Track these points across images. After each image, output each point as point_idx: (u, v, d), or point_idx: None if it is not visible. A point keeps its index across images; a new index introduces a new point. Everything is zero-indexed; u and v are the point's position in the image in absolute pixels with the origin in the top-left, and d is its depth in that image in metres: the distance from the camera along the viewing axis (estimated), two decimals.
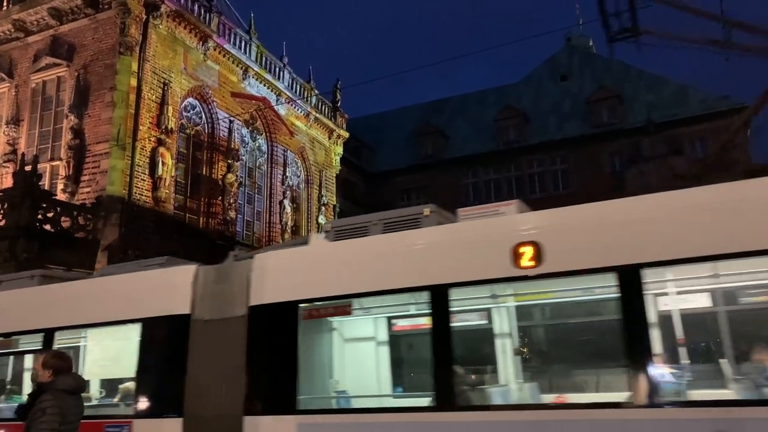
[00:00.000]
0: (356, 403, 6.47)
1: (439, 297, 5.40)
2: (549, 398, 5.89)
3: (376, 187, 35.61)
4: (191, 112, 21.35)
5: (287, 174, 25.39)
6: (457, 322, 5.71)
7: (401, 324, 5.74)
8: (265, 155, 24.78)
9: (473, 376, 6.09)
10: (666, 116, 30.43)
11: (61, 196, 17.92)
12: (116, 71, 18.47)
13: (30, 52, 20.46)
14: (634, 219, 5.02)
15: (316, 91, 27.75)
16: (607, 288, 4.94)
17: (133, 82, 18.50)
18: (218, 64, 21.99)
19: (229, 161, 21.88)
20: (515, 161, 33.71)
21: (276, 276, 6.30)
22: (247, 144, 23.71)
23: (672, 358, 5.48)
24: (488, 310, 6.47)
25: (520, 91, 37.00)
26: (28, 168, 16.64)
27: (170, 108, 19.47)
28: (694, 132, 30.31)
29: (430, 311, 5.47)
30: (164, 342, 6.75)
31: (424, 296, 5.56)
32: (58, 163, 19.15)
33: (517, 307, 6.46)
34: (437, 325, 5.40)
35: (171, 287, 6.85)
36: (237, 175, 22.20)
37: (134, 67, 18.61)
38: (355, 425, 5.59)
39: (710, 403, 4.78)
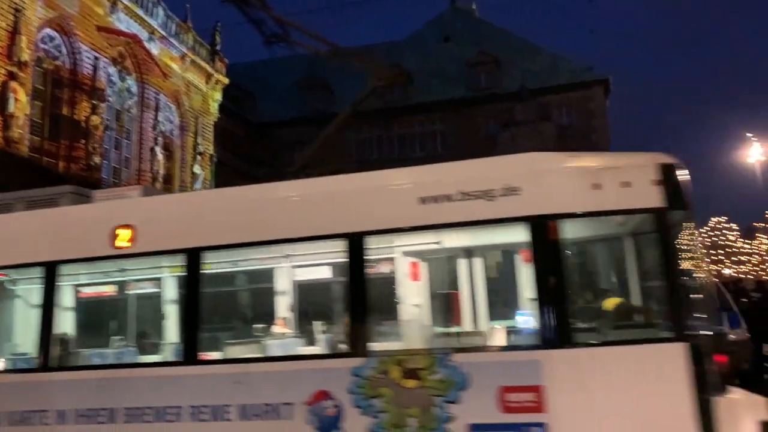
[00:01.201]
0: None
1: (50, 273, 6.15)
2: (147, 360, 6.75)
3: (259, 138, 34.73)
4: (49, 44, 19.40)
5: (159, 119, 23.99)
6: (64, 296, 6.63)
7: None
8: (135, 97, 23.19)
9: (72, 342, 6.80)
10: (538, 83, 32.27)
11: None
12: None
13: None
14: (196, 211, 6.07)
15: (194, 32, 26.23)
16: (179, 267, 5.93)
17: None
18: None
19: (94, 102, 20.25)
20: (398, 120, 34.22)
21: None
22: (115, 84, 22.03)
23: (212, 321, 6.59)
24: (98, 285, 7.43)
25: (405, 50, 37.31)
26: None
27: (24, 38, 17.56)
28: (561, 100, 32.49)
29: (44, 286, 6.19)
30: None
31: (40, 272, 6.22)
32: None
33: (120, 282, 7.40)
34: (46, 299, 6.16)
35: None
36: (102, 118, 20.65)
37: None
38: None
39: (232, 360, 5.84)
